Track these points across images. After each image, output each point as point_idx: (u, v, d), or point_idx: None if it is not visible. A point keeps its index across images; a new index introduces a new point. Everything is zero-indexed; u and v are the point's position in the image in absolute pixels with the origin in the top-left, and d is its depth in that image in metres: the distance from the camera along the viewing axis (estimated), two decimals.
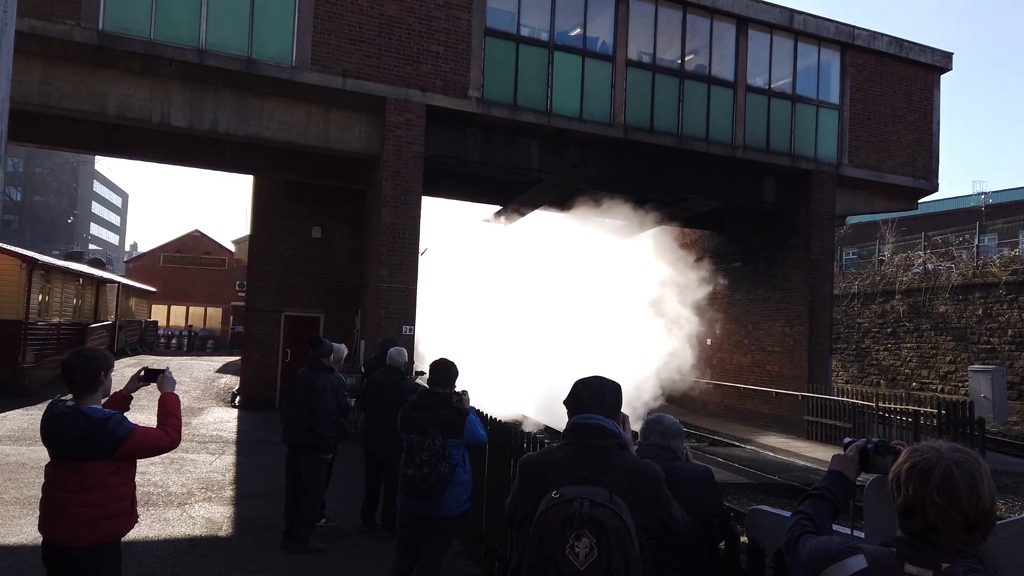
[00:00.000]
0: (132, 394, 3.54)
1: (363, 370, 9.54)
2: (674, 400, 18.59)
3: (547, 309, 18.24)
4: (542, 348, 16.55)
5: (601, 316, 18.03)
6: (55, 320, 19.42)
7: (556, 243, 18.96)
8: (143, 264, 38.56)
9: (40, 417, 3.25)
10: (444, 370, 4.68)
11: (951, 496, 1.56)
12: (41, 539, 3.19)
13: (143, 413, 9.30)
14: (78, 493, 3.10)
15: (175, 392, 3.52)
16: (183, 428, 3.62)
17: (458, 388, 4.83)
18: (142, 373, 3.54)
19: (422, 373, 6.57)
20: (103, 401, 3.34)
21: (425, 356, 11.18)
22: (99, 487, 3.13)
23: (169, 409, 3.42)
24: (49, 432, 3.17)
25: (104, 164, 74.78)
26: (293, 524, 6.30)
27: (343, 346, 7.71)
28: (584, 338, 17.15)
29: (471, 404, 4.91)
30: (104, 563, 3.21)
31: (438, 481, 4.29)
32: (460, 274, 20.60)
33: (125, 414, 3.32)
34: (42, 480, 3.24)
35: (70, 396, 3.24)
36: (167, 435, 3.32)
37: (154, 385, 3.52)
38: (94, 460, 3.11)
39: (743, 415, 18.02)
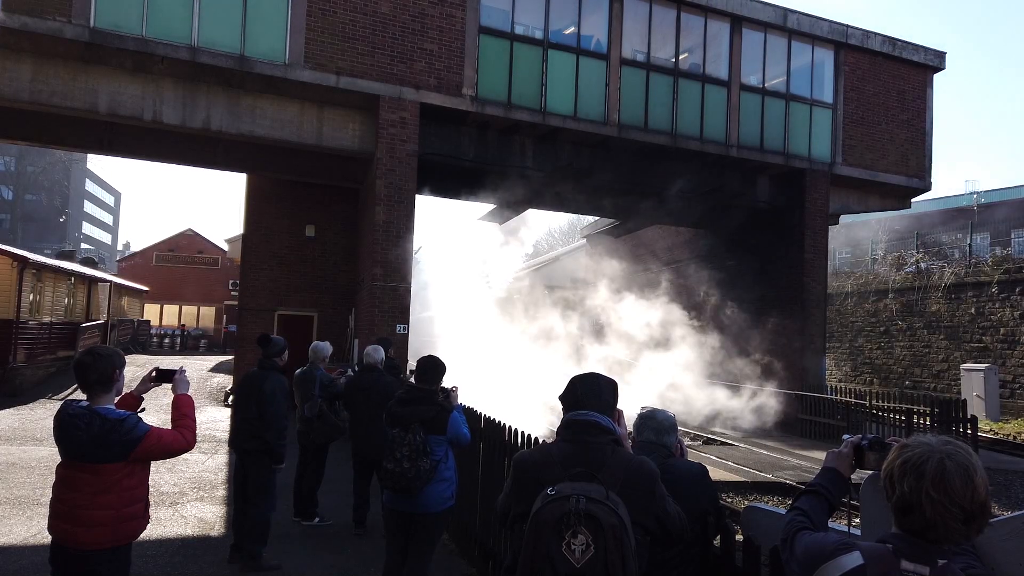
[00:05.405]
0: (143, 395, 3.45)
1: (356, 369, 9.51)
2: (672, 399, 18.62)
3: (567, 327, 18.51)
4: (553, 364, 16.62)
5: (611, 324, 18.17)
6: (46, 319, 19.29)
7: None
8: (136, 263, 38.33)
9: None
10: (429, 367, 4.66)
11: (947, 490, 1.55)
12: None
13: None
14: (94, 495, 3.05)
15: (189, 393, 3.46)
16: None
17: (448, 385, 4.81)
18: (153, 373, 3.46)
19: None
20: (116, 400, 3.27)
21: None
22: (115, 489, 3.07)
23: (184, 410, 3.36)
24: (63, 433, 3.10)
25: (96, 162, 74.45)
26: (241, 538, 5.79)
27: (327, 344, 7.63)
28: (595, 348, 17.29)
29: (459, 401, 4.89)
30: (116, 566, 3.17)
31: (417, 476, 4.27)
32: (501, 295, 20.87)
33: (140, 415, 3.26)
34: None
35: (68, 394, 3.19)
36: (182, 437, 3.26)
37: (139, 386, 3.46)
38: (109, 462, 3.05)
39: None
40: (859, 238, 31.30)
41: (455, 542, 6.50)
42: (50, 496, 3.22)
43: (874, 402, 14.45)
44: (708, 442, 14.73)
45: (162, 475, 8.80)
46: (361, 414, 6.68)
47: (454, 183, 15.21)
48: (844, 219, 21.65)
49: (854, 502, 3.69)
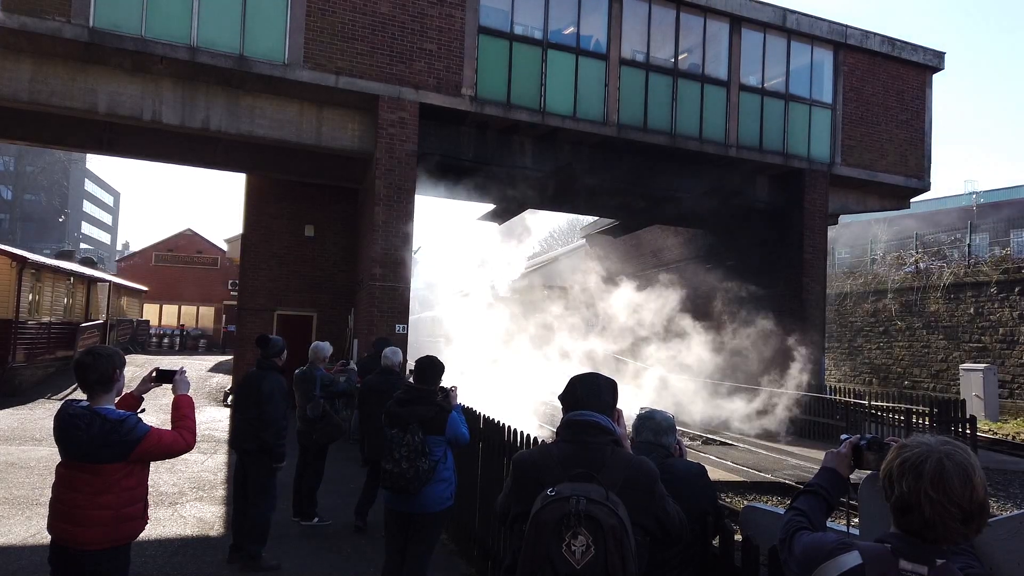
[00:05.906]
0: (143, 396, 3.45)
1: (355, 369, 9.51)
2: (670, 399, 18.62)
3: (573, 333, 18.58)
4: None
5: (609, 324, 18.19)
6: (45, 319, 19.28)
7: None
8: (135, 263, 38.30)
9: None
10: (428, 366, 4.65)
11: (945, 490, 1.55)
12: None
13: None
14: (93, 495, 3.05)
15: (189, 394, 3.46)
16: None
17: (446, 385, 4.81)
18: (154, 374, 3.45)
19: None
20: (116, 401, 3.27)
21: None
22: (114, 489, 3.08)
23: (184, 411, 3.36)
24: (63, 433, 3.10)
25: (96, 162, 74.43)
26: (241, 539, 5.81)
27: (327, 344, 7.62)
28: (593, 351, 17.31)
29: (458, 401, 4.89)
30: (115, 565, 3.17)
31: (416, 477, 4.28)
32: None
33: (140, 415, 3.26)
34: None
35: (67, 394, 3.19)
36: (182, 438, 3.26)
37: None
38: (109, 462, 3.05)
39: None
40: (859, 238, 31.32)
41: (455, 542, 6.50)
42: (49, 496, 3.22)
43: (873, 402, 14.46)
44: (707, 442, 14.73)
45: (162, 475, 8.79)
46: (374, 415, 6.66)
47: (454, 183, 15.21)
48: (844, 219, 21.67)
49: (853, 502, 3.69)
